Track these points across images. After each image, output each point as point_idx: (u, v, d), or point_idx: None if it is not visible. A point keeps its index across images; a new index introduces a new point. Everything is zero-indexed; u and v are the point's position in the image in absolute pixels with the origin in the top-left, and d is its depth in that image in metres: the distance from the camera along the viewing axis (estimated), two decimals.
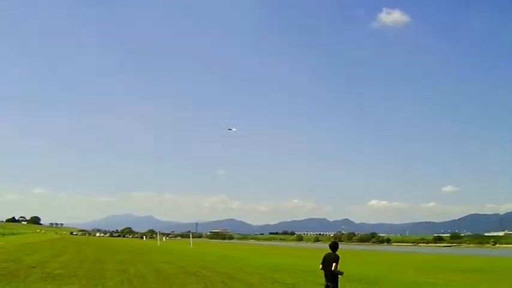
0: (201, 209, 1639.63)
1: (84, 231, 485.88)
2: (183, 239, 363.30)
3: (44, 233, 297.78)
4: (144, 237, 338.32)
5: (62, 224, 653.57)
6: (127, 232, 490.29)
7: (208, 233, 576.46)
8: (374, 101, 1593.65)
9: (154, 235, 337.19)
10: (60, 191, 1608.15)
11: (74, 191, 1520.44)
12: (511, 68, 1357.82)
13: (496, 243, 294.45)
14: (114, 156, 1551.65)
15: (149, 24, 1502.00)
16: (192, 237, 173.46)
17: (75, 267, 42.65)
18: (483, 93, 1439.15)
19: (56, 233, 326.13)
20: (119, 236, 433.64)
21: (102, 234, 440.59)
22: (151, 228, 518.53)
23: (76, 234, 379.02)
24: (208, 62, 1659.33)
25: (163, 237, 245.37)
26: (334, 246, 19.74)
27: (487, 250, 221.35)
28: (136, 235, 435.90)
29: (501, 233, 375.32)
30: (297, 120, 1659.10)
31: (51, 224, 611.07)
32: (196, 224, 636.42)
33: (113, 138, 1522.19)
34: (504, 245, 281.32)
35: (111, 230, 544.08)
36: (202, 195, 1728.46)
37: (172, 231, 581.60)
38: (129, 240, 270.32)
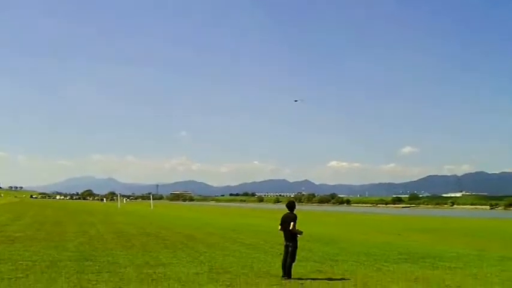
0: (162, 170, 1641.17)
1: (44, 195, 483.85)
2: (143, 201, 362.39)
3: (3, 196, 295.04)
4: (105, 199, 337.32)
5: (21, 187, 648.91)
6: (87, 195, 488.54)
7: (169, 195, 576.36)
8: (335, 63, 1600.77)
9: (115, 197, 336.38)
10: (19, 154, 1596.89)
11: (33, 154, 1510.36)
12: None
13: (453, 204, 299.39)
14: (74, 120, 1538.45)
15: None
16: (153, 199, 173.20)
17: (35, 229, 42.50)
18: (438, 48, 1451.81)
19: (16, 197, 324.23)
20: (79, 198, 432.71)
21: (62, 197, 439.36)
22: (112, 190, 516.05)
23: (36, 198, 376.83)
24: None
25: (124, 199, 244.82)
26: (291, 206, 19.85)
27: (444, 211, 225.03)
28: (96, 198, 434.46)
29: (458, 194, 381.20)
30: (258, 83, 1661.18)
31: (11, 187, 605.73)
32: (157, 185, 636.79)
33: (73, 104, 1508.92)
34: (461, 206, 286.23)
35: (71, 193, 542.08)
36: (164, 157, 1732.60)
37: (133, 193, 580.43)
38: (89, 202, 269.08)
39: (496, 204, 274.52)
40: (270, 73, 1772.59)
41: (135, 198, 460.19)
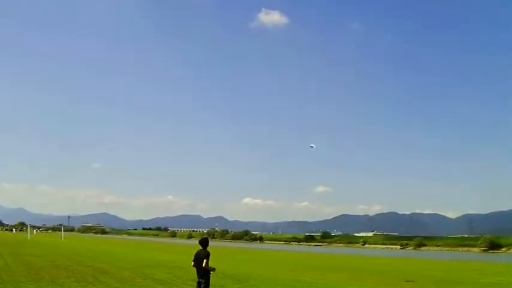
0: (75, 202, 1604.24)
1: None
2: (54, 232, 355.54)
3: None
4: (14, 230, 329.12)
5: None
6: None
7: (81, 227, 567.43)
8: (251, 99, 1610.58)
9: (24, 228, 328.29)
10: None
11: None
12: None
13: (365, 243, 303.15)
14: None
15: None
16: (64, 231, 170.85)
17: None
18: (364, 88, 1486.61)
19: None
20: None
21: None
22: (22, 220, 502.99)
23: None
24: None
25: (34, 230, 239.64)
26: (204, 243, 19.81)
27: (356, 250, 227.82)
28: (5, 228, 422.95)
29: (370, 234, 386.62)
30: (175, 118, 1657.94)
31: None
32: (69, 217, 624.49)
33: None
34: (373, 245, 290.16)
35: None
36: (76, 188, 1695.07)
37: (44, 224, 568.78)
38: None
39: (407, 244, 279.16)
40: (181, 106, 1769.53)
41: (46, 230, 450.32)
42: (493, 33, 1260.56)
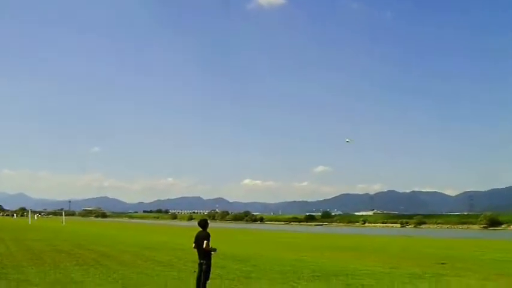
0: (75, 186, 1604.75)
1: None
2: (55, 216, 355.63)
3: None
4: (15, 215, 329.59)
5: None
6: None
7: (82, 211, 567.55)
8: (251, 81, 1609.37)
9: (25, 213, 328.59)
10: None
11: None
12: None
13: (365, 222, 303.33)
14: None
15: None
16: (65, 215, 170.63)
17: None
18: (364, 67, 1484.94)
19: None
20: None
21: None
22: (23, 206, 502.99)
23: None
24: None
25: (35, 215, 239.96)
26: (203, 224, 19.83)
27: (356, 229, 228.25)
28: (6, 213, 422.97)
29: (370, 213, 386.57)
30: (174, 101, 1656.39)
31: None
32: (70, 201, 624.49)
33: None
34: (373, 224, 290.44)
35: None
36: (76, 172, 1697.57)
37: (45, 209, 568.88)
38: None
39: (407, 223, 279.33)
40: (181, 91, 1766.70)
41: (47, 214, 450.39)
42: (493, 14, 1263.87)
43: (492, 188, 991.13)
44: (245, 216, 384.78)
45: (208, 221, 20.79)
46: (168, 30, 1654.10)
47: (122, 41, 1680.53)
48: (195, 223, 26.87)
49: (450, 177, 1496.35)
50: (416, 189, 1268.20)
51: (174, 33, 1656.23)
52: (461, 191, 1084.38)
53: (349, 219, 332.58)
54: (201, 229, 19.69)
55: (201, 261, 19.28)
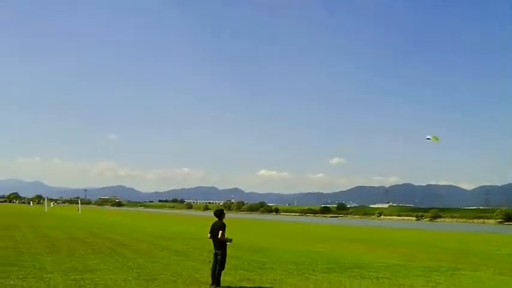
0: (91, 175, 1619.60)
1: None
2: (71, 205, 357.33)
3: None
4: (31, 203, 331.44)
5: None
6: (14, 197, 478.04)
7: (97, 200, 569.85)
8: (269, 73, 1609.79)
9: (42, 201, 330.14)
10: None
11: None
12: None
13: (380, 215, 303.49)
14: None
15: None
16: (81, 204, 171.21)
17: None
18: (376, 60, 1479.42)
19: None
20: (5, 201, 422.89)
21: None
22: (39, 194, 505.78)
23: None
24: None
25: (51, 203, 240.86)
26: (219, 214, 19.87)
27: (372, 221, 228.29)
28: (23, 201, 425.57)
29: (386, 205, 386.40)
30: (189, 90, 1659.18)
31: None
32: (85, 190, 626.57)
33: None
34: (388, 217, 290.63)
35: None
36: (92, 161, 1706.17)
37: (61, 197, 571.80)
38: (15, 205, 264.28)
39: (422, 216, 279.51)
40: (199, 82, 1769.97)
41: (63, 202, 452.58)
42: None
43: (508, 182, 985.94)
44: (260, 207, 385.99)
45: (225, 211, 20.78)
46: (177, 17, 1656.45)
47: (136, 27, 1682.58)
48: (210, 213, 26.92)
49: (466, 171, 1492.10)
50: (432, 182, 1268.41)
51: (183, 23, 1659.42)
52: (477, 185, 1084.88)
53: (364, 211, 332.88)
54: (216, 219, 19.72)
55: (216, 251, 19.29)
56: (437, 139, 39.13)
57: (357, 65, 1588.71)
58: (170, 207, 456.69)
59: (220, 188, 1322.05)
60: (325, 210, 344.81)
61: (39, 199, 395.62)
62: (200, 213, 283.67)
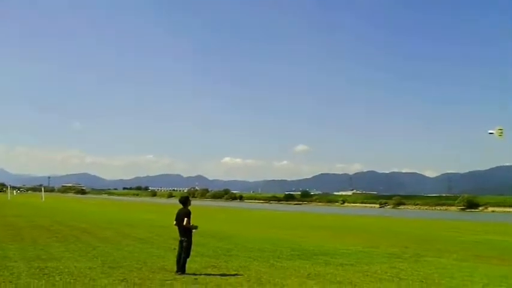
0: (55, 163, 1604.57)
1: None
2: (34, 192, 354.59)
3: None
4: None
5: None
6: None
7: (61, 187, 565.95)
8: (235, 60, 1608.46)
9: (4, 189, 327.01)
10: None
11: None
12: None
13: (344, 202, 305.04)
14: None
15: None
16: (44, 191, 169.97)
17: None
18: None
19: None
20: None
21: None
22: (1, 181, 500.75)
23: None
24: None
25: (14, 191, 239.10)
26: (184, 201, 19.83)
27: (335, 208, 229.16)
28: None
29: (349, 193, 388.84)
30: (155, 79, 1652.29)
31: None
32: (49, 177, 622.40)
33: None
34: (352, 204, 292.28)
35: None
36: (57, 148, 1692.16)
37: (24, 185, 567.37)
38: None
39: (386, 203, 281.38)
40: (165, 69, 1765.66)
41: (26, 190, 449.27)
42: None
43: (471, 170, 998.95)
44: (225, 194, 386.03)
45: (190, 198, 20.78)
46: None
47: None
48: (175, 200, 27.00)
49: (429, 158, 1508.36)
50: (395, 169, 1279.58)
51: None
52: (440, 173, 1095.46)
53: (328, 199, 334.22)
54: (182, 206, 19.71)
55: (182, 238, 19.29)
56: (501, 134, 37.98)
57: (318, 49, 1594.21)
58: (134, 194, 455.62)
59: (185, 175, 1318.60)
60: (289, 198, 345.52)
61: (2, 187, 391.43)
62: (164, 200, 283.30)
